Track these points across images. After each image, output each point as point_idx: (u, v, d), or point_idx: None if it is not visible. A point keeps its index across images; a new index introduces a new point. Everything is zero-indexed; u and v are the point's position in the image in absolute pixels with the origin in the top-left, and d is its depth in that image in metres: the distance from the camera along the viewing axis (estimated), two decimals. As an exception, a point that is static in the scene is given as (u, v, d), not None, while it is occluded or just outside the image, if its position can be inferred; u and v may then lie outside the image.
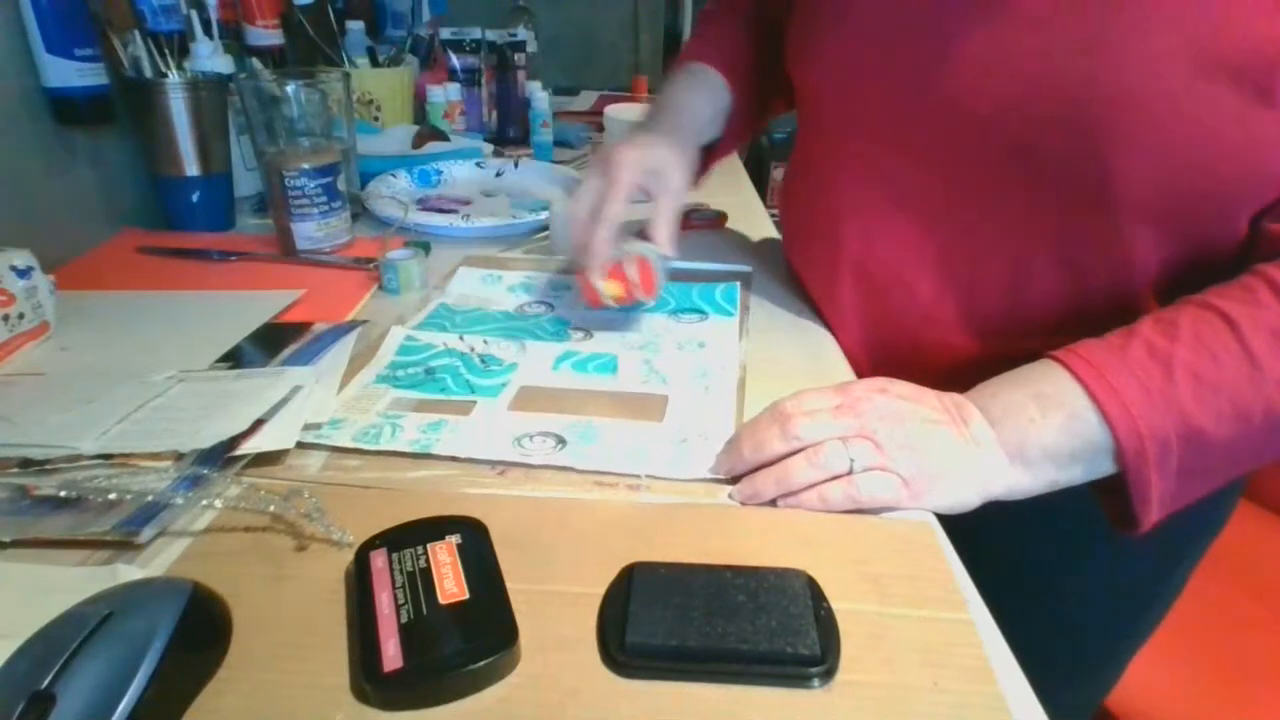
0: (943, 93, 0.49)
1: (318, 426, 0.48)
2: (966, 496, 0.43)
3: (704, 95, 0.67)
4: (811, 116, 0.64)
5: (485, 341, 0.59)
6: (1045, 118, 0.45)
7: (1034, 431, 0.43)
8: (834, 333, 0.64)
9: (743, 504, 0.44)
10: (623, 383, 0.55)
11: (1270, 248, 0.44)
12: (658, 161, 0.59)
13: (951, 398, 0.46)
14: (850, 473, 0.42)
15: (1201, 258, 0.47)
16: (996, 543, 0.56)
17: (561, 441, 0.48)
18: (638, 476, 0.45)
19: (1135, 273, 0.48)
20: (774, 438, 0.44)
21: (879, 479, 0.42)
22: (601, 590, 0.37)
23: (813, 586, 0.36)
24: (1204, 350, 0.41)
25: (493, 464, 0.46)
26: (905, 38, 0.51)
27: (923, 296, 0.56)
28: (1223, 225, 0.46)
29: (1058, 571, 0.64)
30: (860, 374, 0.58)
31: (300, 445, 0.46)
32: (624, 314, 0.64)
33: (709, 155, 0.71)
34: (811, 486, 0.43)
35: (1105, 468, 0.43)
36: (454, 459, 0.46)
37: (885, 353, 0.60)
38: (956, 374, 0.47)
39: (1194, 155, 0.42)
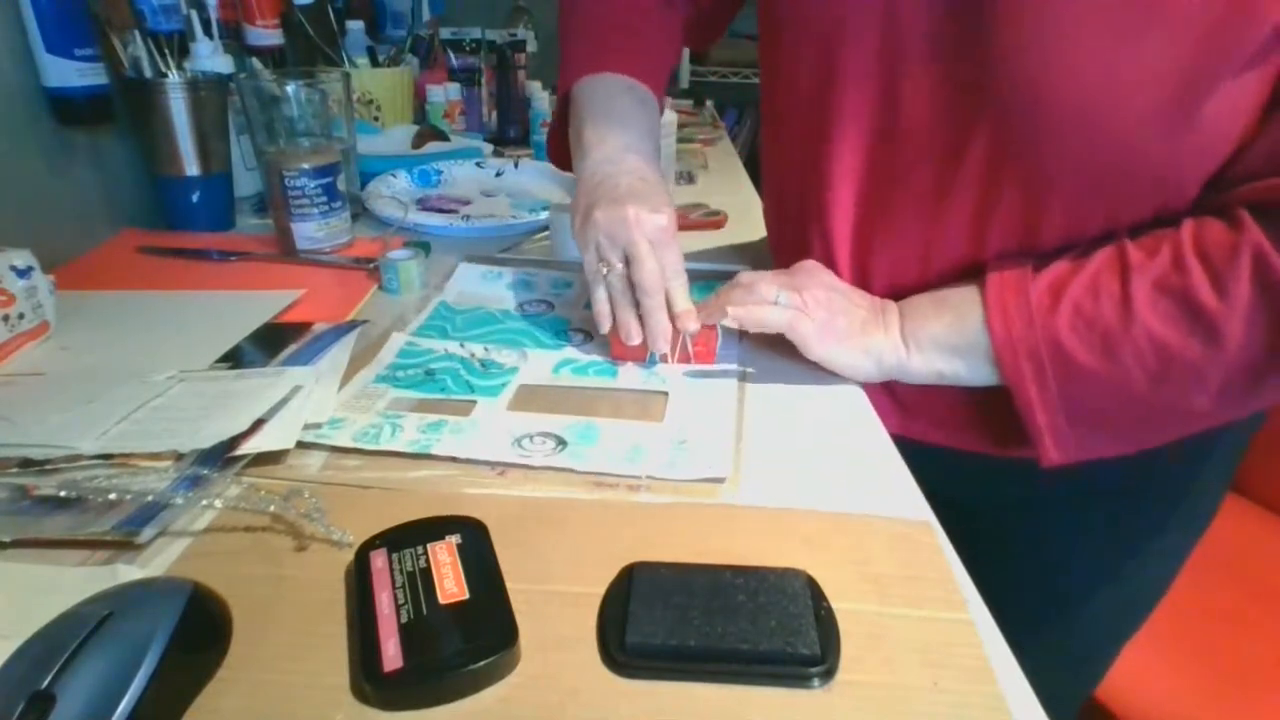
0: (905, 71, 0.49)
1: (318, 426, 0.48)
2: (858, 359, 0.53)
3: (653, 137, 0.62)
4: (779, 89, 0.61)
5: (486, 349, 0.59)
6: (984, 108, 0.46)
7: (926, 324, 0.52)
8: None
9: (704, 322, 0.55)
10: (622, 382, 0.55)
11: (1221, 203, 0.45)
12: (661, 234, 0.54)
13: (882, 300, 0.55)
14: (775, 303, 0.53)
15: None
16: (995, 541, 0.57)
17: (561, 442, 0.48)
18: (638, 477, 0.45)
19: (1072, 244, 0.49)
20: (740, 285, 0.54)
21: (794, 316, 0.52)
22: (601, 590, 0.37)
23: (813, 586, 0.36)
24: (1091, 288, 0.46)
25: (492, 465, 0.46)
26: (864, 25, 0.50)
27: (863, 276, 0.57)
28: (1157, 203, 0.47)
29: (1047, 562, 0.64)
30: None
31: (300, 445, 0.46)
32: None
33: None
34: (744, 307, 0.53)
35: (986, 372, 0.50)
36: (454, 459, 0.46)
37: None
38: None
39: (1116, 163, 0.44)
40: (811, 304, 0.53)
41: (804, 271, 0.56)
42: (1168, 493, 0.60)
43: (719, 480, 0.45)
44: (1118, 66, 0.41)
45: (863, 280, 0.57)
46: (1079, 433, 0.49)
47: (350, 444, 0.47)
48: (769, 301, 0.53)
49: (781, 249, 0.67)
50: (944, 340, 0.51)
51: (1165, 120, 0.42)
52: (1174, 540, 0.63)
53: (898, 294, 0.56)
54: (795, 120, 0.58)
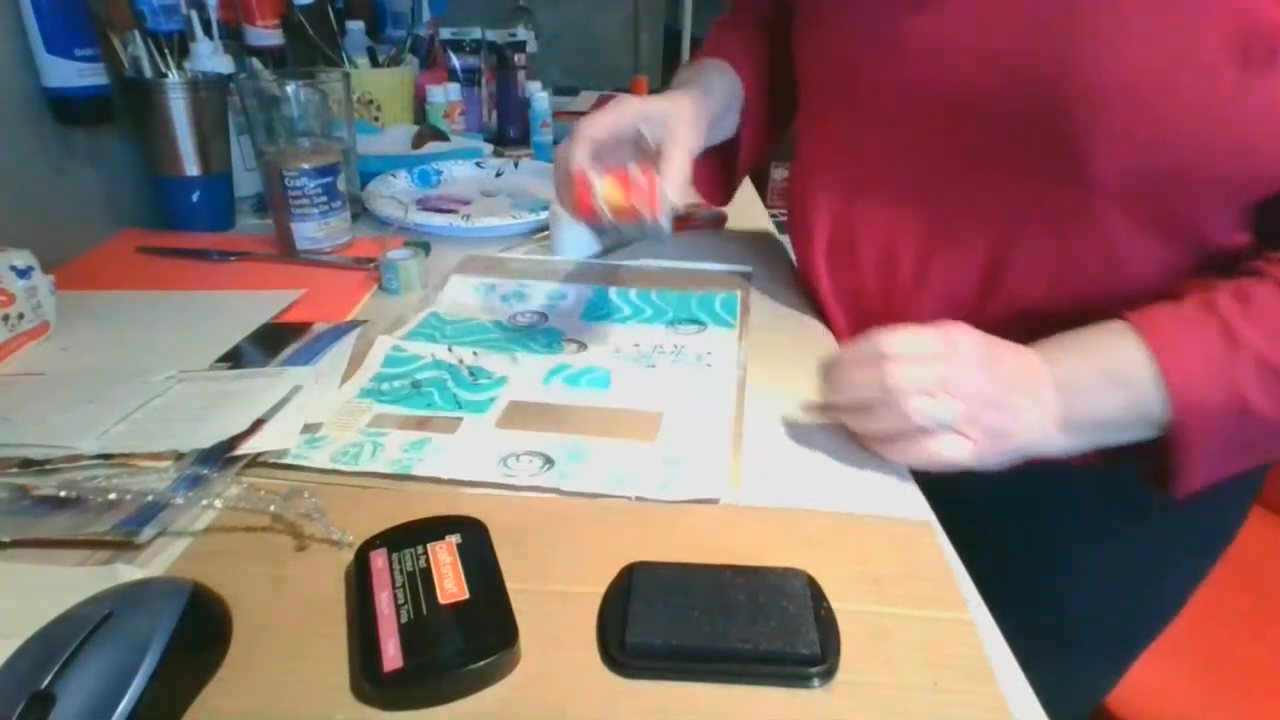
0: (925, 75, 0.50)
1: (316, 428, 0.48)
2: (1012, 459, 0.45)
3: (718, 81, 0.65)
4: (806, 102, 0.64)
5: (475, 353, 0.58)
6: (1020, 103, 0.46)
7: (1097, 406, 0.45)
8: (825, 321, 0.65)
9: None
10: (615, 399, 0.53)
11: None
12: (660, 111, 0.56)
13: (1025, 360, 0.46)
14: (929, 431, 0.44)
15: (1199, 262, 0.47)
16: (997, 543, 0.56)
17: (549, 462, 0.46)
18: (627, 498, 0.44)
19: (1124, 269, 0.48)
20: (868, 382, 0.45)
21: (953, 442, 0.44)
22: (601, 590, 0.37)
23: (813, 586, 0.36)
24: (1273, 333, 0.42)
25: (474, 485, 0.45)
26: (891, 22, 0.52)
27: (903, 277, 0.56)
28: (1208, 221, 0.46)
29: (1048, 565, 0.64)
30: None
31: (284, 465, 0.45)
32: (612, 321, 0.63)
33: (735, 160, 0.71)
34: (890, 439, 0.46)
35: (1148, 434, 0.45)
36: (435, 480, 0.45)
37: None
38: None
39: (1164, 138, 0.43)
40: (976, 408, 0.44)
41: (952, 350, 0.45)
42: (1176, 510, 0.59)
43: (712, 502, 0.44)
44: (1161, 51, 0.41)
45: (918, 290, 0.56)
46: (1228, 464, 0.46)
47: (328, 465, 0.45)
48: (917, 424, 0.44)
49: (793, 224, 0.68)
50: (1113, 420, 0.45)
51: (1217, 114, 0.41)
52: (1186, 560, 0.62)
53: (955, 303, 0.54)
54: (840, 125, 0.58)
